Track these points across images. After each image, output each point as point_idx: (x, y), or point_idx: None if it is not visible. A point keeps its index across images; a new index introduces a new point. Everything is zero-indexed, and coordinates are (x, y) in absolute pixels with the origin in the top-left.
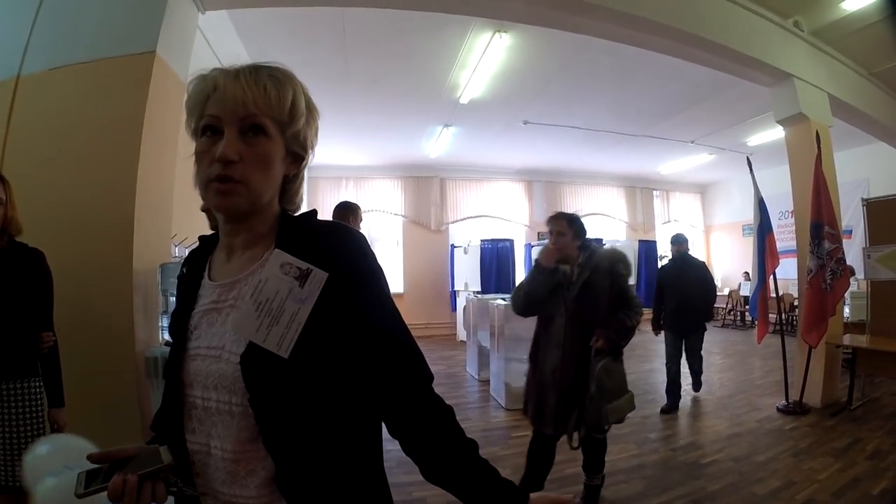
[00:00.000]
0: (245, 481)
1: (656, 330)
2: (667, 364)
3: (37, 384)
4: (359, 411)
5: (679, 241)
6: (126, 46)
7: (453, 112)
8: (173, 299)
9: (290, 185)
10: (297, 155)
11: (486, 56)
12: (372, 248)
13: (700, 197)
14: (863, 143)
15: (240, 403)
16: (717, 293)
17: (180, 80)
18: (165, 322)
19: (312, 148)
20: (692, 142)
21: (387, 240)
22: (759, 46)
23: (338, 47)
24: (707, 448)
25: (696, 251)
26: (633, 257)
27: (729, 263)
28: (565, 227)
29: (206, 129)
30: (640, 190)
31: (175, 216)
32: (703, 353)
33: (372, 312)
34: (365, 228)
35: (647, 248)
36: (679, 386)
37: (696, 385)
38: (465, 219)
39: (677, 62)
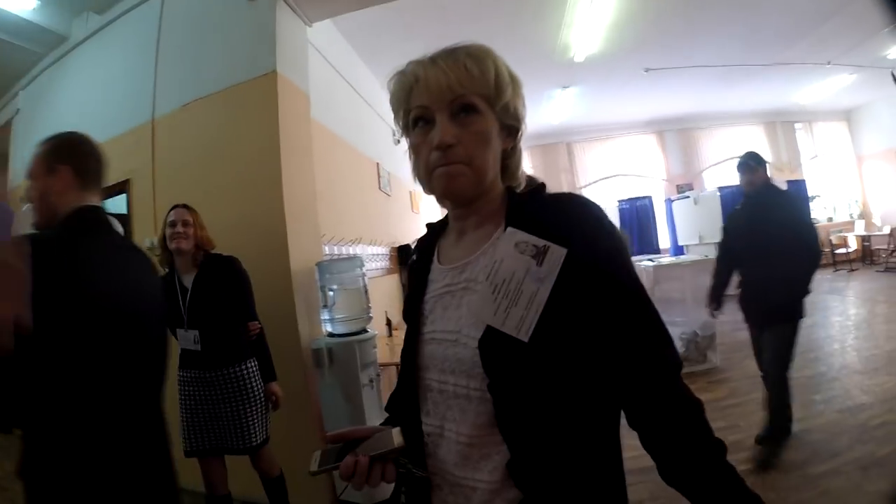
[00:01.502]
0: (478, 465)
1: (713, 306)
2: (761, 369)
3: (252, 364)
4: (599, 399)
5: (750, 167)
6: (249, 71)
7: (569, 72)
8: (331, 294)
9: (509, 161)
10: (512, 127)
11: (594, 8)
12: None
13: (846, 125)
14: None
15: (478, 388)
16: (877, 232)
17: (303, 91)
18: (326, 315)
19: (523, 119)
20: (829, 63)
21: None
22: None
23: (440, 32)
24: (876, 408)
25: (849, 185)
26: None
27: (888, 196)
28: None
29: (418, 120)
30: (781, 124)
31: (321, 219)
32: (851, 300)
33: (616, 290)
34: None
35: (797, 188)
36: (787, 405)
37: (769, 428)
38: (597, 181)
39: None
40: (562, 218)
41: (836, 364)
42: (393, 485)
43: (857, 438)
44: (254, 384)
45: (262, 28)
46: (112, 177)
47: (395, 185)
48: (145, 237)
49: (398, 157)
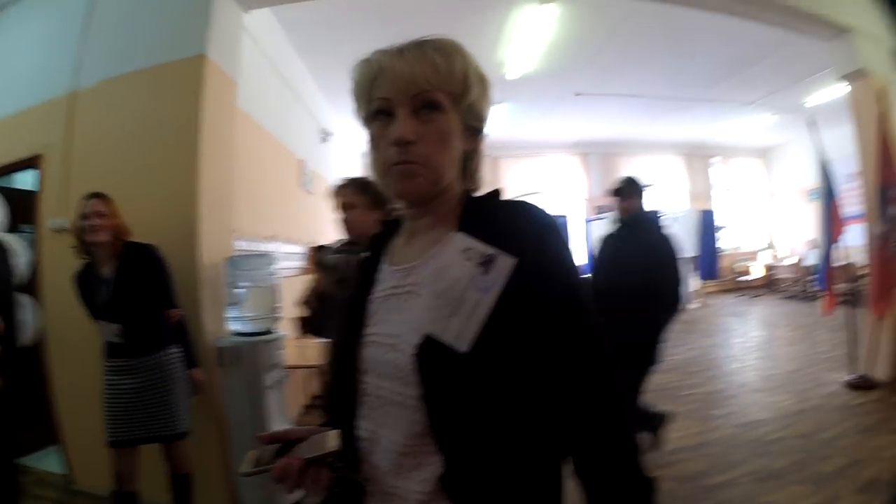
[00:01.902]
0: (410, 474)
1: None
2: None
3: (175, 351)
4: (539, 417)
5: (623, 193)
6: (177, 52)
7: (502, 88)
8: (240, 291)
9: (469, 163)
10: (474, 128)
11: (531, 29)
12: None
13: (762, 162)
14: None
15: (413, 396)
16: (782, 263)
17: (231, 79)
18: (233, 313)
19: (487, 115)
20: (751, 104)
21: None
22: None
23: (380, 31)
24: (772, 424)
25: (760, 219)
26: (693, 228)
27: (794, 231)
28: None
29: (378, 113)
30: (699, 157)
31: (237, 213)
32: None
33: (561, 310)
34: None
35: (707, 218)
36: (649, 427)
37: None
38: (519, 197)
39: (729, 21)
40: (515, 226)
41: (736, 382)
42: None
43: (754, 452)
44: (178, 370)
45: (196, 8)
46: (20, 151)
47: (319, 184)
48: (55, 217)
49: (324, 156)
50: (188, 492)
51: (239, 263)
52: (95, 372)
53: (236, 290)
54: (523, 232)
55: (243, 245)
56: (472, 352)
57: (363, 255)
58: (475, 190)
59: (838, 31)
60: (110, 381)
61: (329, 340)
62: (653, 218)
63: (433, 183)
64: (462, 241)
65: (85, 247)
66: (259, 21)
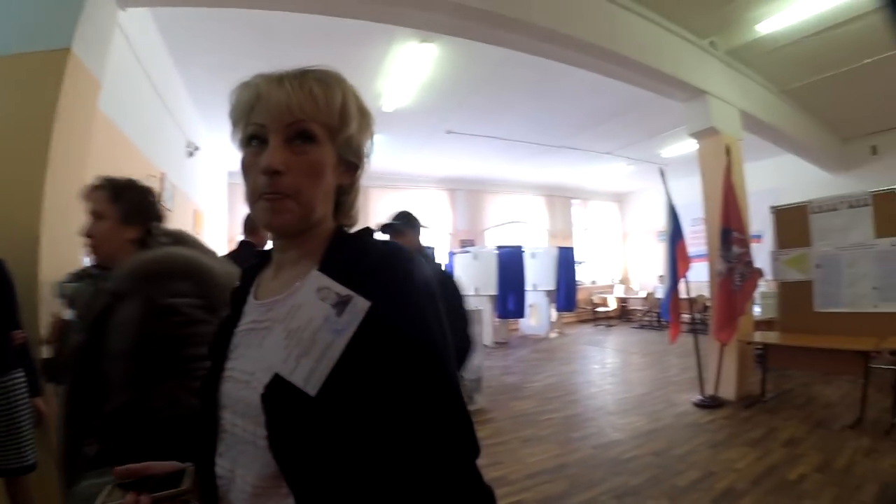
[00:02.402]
0: None
1: None
2: None
3: (20, 375)
4: (394, 462)
5: (396, 229)
6: (40, 42)
7: (378, 120)
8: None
9: (344, 198)
10: (351, 163)
11: (410, 65)
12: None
13: (618, 205)
14: (774, 154)
15: (263, 436)
16: (634, 295)
17: (95, 78)
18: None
19: (367, 156)
20: (609, 153)
21: None
22: (675, 64)
23: (261, 50)
24: (627, 444)
25: (614, 256)
26: (553, 263)
27: (645, 267)
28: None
29: (252, 138)
30: (559, 198)
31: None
32: (609, 351)
33: (412, 360)
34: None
35: (566, 254)
36: None
37: None
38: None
39: (596, 77)
40: (376, 267)
41: (593, 406)
42: None
43: (612, 471)
44: (23, 397)
45: None
46: None
47: (180, 200)
48: None
49: (187, 171)
50: None
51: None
52: None
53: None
54: (383, 275)
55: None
56: (322, 395)
57: (111, 285)
58: (349, 226)
59: (695, 93)
60: None
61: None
62: (429, 255)
63: (301, 217)
64: (318, 279)
65: None
66: (135, 21)
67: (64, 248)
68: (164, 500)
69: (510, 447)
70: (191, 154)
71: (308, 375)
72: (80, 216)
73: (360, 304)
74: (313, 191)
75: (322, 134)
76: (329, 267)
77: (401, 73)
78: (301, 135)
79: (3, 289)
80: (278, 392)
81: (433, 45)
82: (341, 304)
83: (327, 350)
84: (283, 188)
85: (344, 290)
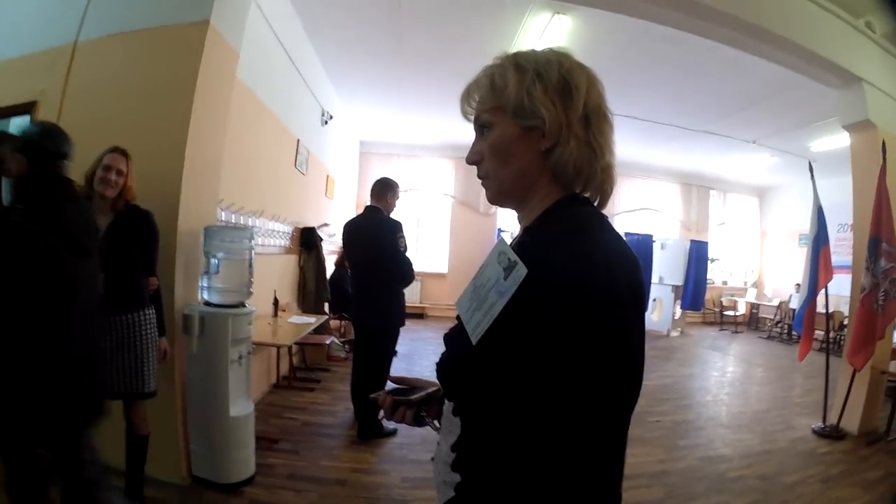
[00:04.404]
0: (447, 437)
1: None
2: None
3: (151, 313)
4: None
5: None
6: (181, 15)
7: None
8: (214, 261)
9: (555, 163)
10: (531, 125)
11: (543, 39)
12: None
13: (758, 200)
14: None
15: None
16: (766, 302)
17: (234, 50)
18: (205, 283)
19: (546, 107)
20: (754, 142)
21: (435, 219)
22: (826, 44)
23: (392, 24)
24: (735, 462)
25: (749, 256)
26: (683, 257)
27: (781, 272)
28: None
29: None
30: (696, 188)
31: (225, 183)
32: (731, 358)
33: (541, 341)
34: (413, 207)
35: (699, 248)
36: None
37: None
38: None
39: (741, 56)
40: (547, 239)
41: (705, 415)
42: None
43: (714, 487)
44: (152, 332)
45: None
46: (19, 95)
47: (313, 165)
48: None
49: (321, 139)
50: (143, 454)
51: (217, 233)
52: None
53: (212, 260)
54: (549, 249)
55: (230, 217)
56: (479, 346)
57: None
58: (586, 191)
59: (849, 79)
60: None
61: None
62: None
63: (497, 192)
64: (501, 243)
65: (90, 192)
66: None
67: (200, 203)
68: (402, 404)
69: None
70: (325, 123)
71: (475, 326)
72: (217, 175)
73: (520, 272)
74: (498, 169)
75: (494, 117)
76: (531, 233)
77: (533, 47)
78: (481, 127)
79: (151, 238)
80: (456, 333)
81: (567, 18)
82: (509, 269)
83: (491, 308)
84: (480, 173)
85: (513, 256)
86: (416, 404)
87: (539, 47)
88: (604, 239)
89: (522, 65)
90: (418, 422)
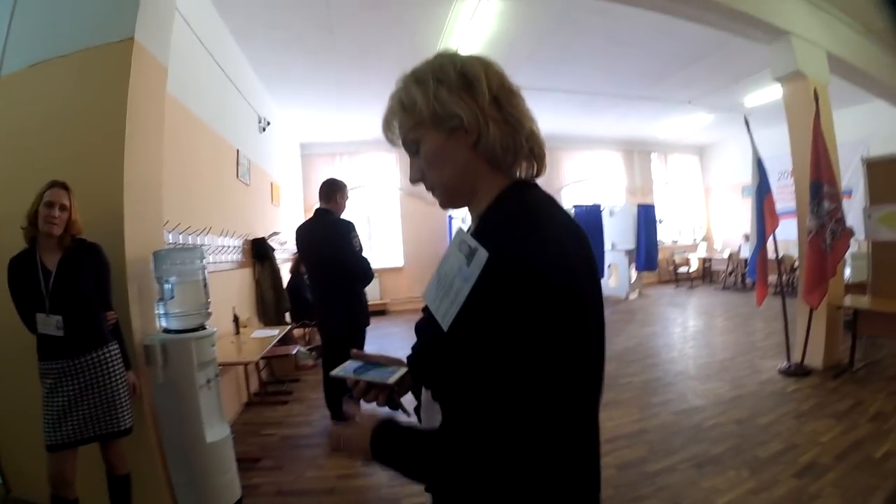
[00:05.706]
0: (434, 418)
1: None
2: None
3: (115, 348)
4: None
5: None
6: (104, 35)
7: None
8: (168, 286)
9: (484, 150)
10: (452, 127)
11: (473, 21)
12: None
13: (698, 158)
14: (862, 101)
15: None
16: (717, 255)
17: (162, 65)
18: (162, 310)
19: (458, 105)
20: (689, 102)
21: (385, 214)
22: (751, 1)
23: (322, 21)
24: (709, 411)
25: (696, 213)
26: (632, 221)
27: (728, 225)
28: None
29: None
30: (638, 153)
31: (168, 204)
32: (691, 312)
33: (504, 324)
34: (362, 204)
35: (647, 211)
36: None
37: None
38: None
39: (669, 20)
40: (502, 225)
41: (673, 370)
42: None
43: (692, 438)
44: (119, 367)
45: None
46: None
47: (256, 174)
48: None
49: (262, 146)
50: (128, 496)
51: (167, 257)
52: (25, 374)
53: (165, 285)
54: (504, 234)
55: (177, 238)
56: (450, 332)
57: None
58: (529, 177)
59: (776, 33)
60: (50, 386)
61: None
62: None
63: (448, 198)
64: (461, 232)
65: (33, 231)
66: (193, 4)
67: (145, 227)
68: (374, 386)
69: None
70: (263, 129)
71: (444, 313)
72: (160, 196)
73: (481, 256)
74: (438, 176)
75: (419, 133)
76: (484, 221)
77: (464, 32)
78: (409, 148)
79: (103, 270)
80: (426, 323)
81: (495, 0)
82: (470, 255)
83: (458, 294)
84: (427, 186)
85: (473, 243)
86: (391, 386)
87: (470, 31)
88: (551, 219)
89: (421, 77)
90: (391, 404)
